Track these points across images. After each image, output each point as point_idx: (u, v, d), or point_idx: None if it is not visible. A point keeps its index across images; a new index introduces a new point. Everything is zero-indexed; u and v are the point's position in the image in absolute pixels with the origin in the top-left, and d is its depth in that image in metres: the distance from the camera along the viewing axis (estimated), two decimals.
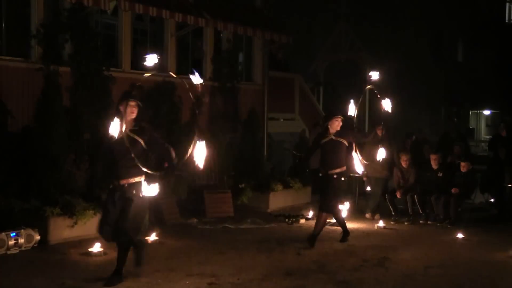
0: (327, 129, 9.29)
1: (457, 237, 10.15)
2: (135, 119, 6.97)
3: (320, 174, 9.37)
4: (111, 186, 7.00)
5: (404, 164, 11.91)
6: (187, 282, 7.16)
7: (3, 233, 8.36)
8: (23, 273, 7.15)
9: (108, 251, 8.61)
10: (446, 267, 8.20)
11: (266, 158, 15.38)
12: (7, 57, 11.50)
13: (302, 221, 11.30)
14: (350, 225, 11.15)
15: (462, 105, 30.43)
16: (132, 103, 6.92)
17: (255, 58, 16.99)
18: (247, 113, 15.55)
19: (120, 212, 6.85)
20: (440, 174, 11.81)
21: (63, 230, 9.21)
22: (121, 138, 6.72)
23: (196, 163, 6.70)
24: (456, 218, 11.42)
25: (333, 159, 9.21)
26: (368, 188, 12.47)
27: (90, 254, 8.45)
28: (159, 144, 7.11)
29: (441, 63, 28.46)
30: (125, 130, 6.81)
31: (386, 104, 9.23)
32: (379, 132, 12.17)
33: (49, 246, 8.86)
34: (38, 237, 8.79)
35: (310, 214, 11.76)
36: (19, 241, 8.54)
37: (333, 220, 11.14)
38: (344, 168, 9.31)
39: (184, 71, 15.08)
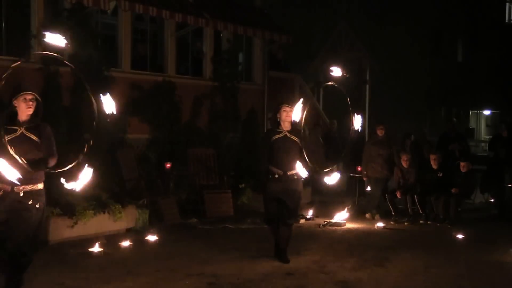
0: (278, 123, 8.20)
1: (457, 237, 10.15)
2: (33, 115, 6.02)
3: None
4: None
5: (404, 164, 11.92)
6: (187, 282, 7.15)
7: None
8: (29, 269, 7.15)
9: (109, 251, 8.64)
10: (446, 267, 8.19)
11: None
12: (7, 57, 11.49)
13: (302, 221, 11.30)
14: (350, 225, 11.21)
15: (462, 105, 30.36)
16: (29, 96, 5.98)
17: (255, 58, 17.00)
18: (247, 113, 15.58)
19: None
20: (440, 174, 11.82)
21: (63, 230, 9.22)
22: (17, 137, 5.77)
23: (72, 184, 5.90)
24: (456, 218, 11.44)
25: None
26: (368, 188, 12.48)
27: (90, 254, 8.45)
28: (49, 147, 6.09)
29: (441, 63, 28.43)
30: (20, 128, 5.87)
31: (357, 121, 8.22)
32: (379, 132, 12.20)
33: (49, 246, 8.85)
34: None
35: (310, 214, 11.78)
36: None
37: (333, 220, 11.19)
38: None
39: (184, 71, 15.15)
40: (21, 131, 5.85)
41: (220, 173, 12.65)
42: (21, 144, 5.70)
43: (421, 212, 11.73)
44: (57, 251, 8.58)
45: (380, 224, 11.22)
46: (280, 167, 7.92)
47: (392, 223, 11.50)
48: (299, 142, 8.06)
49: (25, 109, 5.93)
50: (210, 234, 10.25)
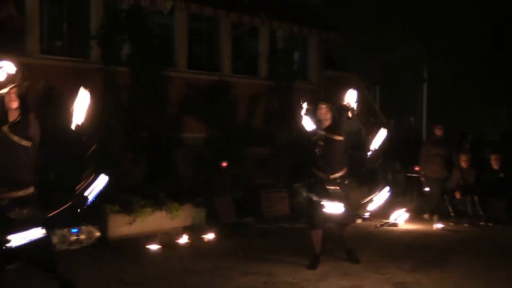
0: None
1: None
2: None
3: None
4: None
5: (463, 164, 11.70)
6: (243, 280, 7.16)
7: (65, 229, 8.56)
8: (83, 268, 7.28)
9: (166, 248, 8.73)
10: (508, 270, 7.97)
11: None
12: (68, 58, 11.77)
13: (359, 221, 11.19)
14: (408, 225, 11.05)
15: None
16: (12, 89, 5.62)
17: (311, 57, 16.94)
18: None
19: None
20: (501, 175, 11.55)
21: (122, 227, 9.35)
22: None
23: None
24: None
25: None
26: (426, 188, 12.26)
27: (148, 251, 8.57)
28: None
29: (501, 60, 27.81)
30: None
31: (351, 95, 7.77)
32: (437, 132, 12.05)
33: (109, 243, 9.01)
34: (98, 234, 8.97)
35: (367, 214, 11.65)
36: (80, 237, 8.74)
37: (389, 220, 11.06)
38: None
39: (240, 70, 15.20)
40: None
41: (276, 172, 12.64)
42: None
43: (481, 214, 11.49)
44: (116, 248, 8.74)
45: (438, 226, 11.01)
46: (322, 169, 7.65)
47: (451, 224, 11.27)
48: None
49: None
50: (266, 233, 10.26)
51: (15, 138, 5.54)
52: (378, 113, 18.98)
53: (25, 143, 5.58)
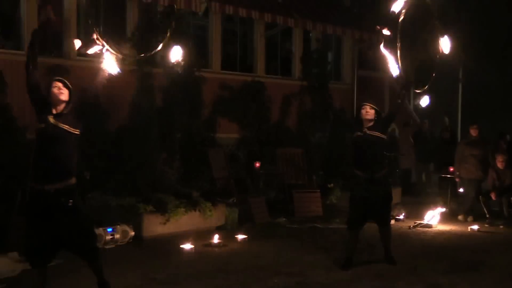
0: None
1: None
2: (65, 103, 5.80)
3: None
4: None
5: (500, 165, 11.55)
6: (276, 280, 7.15)
7: (101, 229, 8.65)
8: (118, 267, 7.35)
9: (200, 248, 8.78)
10: None
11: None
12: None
13: (392, 222, 11.09)
14: (442, 227, 10.94)
15: None
16: (59, 83, 5.78)
17: (344, 57, 16.89)
18: (336, 113, 15.46)
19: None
20: None
21: (156, 226, 9.43)
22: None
23: None
24: None
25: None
26: (461, 190, 12.14)
27: (181, 250, 8.62)
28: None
29: None
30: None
31: (445, 43, 7.88)
32: (473, 132, 11.93)
33: (143, 242, 9.09)
34: (132, 233, 9.06)
35: (402, 216, 11.60)
36: (115, 236, 8.82)
37: (423, 221, 10.97)
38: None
39: (273, 71, 15.21)
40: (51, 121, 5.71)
41: (309, 172, 12.64)
42: None
43: None
44: (150, 247, 8.80)
45: (473, 227, 10.87)
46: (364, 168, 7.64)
47: (486, 226, 11.12)
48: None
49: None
50: (299, 233, 10.24)
51: (66, 127, 5.67)
52: (412, 113, 18.83)
53: (74, 131, 5.72)
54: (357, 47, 16.84)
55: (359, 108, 7.89)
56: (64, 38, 11.22)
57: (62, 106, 5.75)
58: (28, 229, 5.64)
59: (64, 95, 5.74)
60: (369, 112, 7.69)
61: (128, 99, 11.34)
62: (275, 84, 14.41)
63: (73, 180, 5.75)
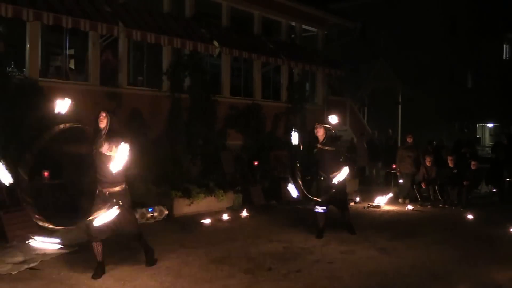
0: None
1: (467, 218, 9.69)
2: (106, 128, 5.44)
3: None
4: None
5: (428, 163, 11.52)
6: (269, 246, 7.15)
7: (143, 209, 8.63)
8: (156, 237, 7.32)
9: (214, 223, 8.72)
10: (458, 239, 7.84)
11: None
12: (147, 88, 11.89)
13: (352, 204, 11.05)
14: (388, 207, 10.89)
15: (471, 119, 29.64)
16: (102, 113, 5.46)
17: (318, 86, 16.85)
18: (311, 126, 15.40)
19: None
20: (455, 171, 11.35)
21: (183, 207, 9.39)
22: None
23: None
24: (467, 203, 10.95)
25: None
26: (401, 181, 12.10)
27: (201, 225, 8.59)
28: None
29: (455, 88, 27.88)
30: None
31: (333, 120, 7.77)
32: (408, 140, 11.94)
33: (173, 219, 9.06)
34: (166, 212, 9.02)
35: (357, 199, 11.55)
36: (154, 214, 8.80)
37: (374, 203, 10.91)
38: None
39: (267, 96, 15.19)
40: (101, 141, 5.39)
41: (292, 168, 12.56)
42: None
43: (440, 199, 11.29)
44: (179, 222, 8.77)
45: (409, 207, 10.85)
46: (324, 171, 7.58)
47: (418, 206, 11.09)
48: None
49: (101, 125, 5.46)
50: (285, 212, 10.20)
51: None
52: (365, 126, 18.82)
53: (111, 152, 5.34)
54: (327, 79, 16.81)
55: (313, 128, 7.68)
56: (118, 72, 11.19)
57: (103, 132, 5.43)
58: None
59: (103, 122, 5.41)
60: (319, 130, 7.55)
61: (164, 116, 11.32)
62: (269, 106, 14.36)
63: (123, 186, 5.53)
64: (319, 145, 7.57)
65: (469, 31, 27.85)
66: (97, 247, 5.56)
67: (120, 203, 5.42)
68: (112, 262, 5.90)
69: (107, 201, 5.38)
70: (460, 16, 27.87)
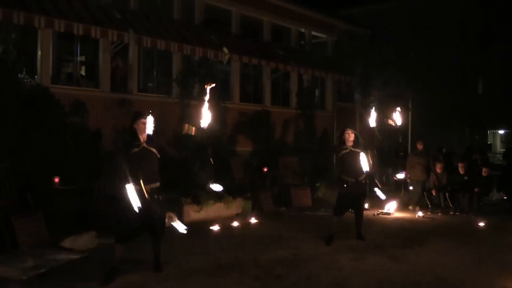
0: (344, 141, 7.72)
1: (478, 225, 9.59)
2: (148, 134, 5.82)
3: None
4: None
5: (438, 170, 11.44)
6: (278, 252, 7.11)
7: None
8: (166, 242, 7.32)
9: (224, 229, 8.71)
10: (470, 247, 7.75)
11: (335, 165, 15.21)
12: (157, 94, 11.96)
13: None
14: (397, 214, 10.82)
15: (482, 126, 29.42)
16: (144, 120, 5.81)
17: (327, 92, 16.85)
18: (321, 132, 15.41)
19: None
20: (465, 177, 11.26)
21: (193, 213, 9.39)
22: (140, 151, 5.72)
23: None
24: (478, 210, 10.86)
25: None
26: (411, 187, 12.01)
27: (211, 231, 8.59)
28: (166, 150, 6.09)
29: (466, 94, 27.71)
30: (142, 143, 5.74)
31: (396, 118, 8.12)
32: (419, 146, 11.86)
33: (183, 224, 9.03)
34: (176, 218, 9.01)
35: (367, 205, 11.45)
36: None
37: (384, 210, 10.84)
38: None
39: (277, 102, 15.21)
40: (143, 145, 5.75)
41: (302, 174, 12.55)
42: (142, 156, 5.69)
43: (451, 206, 11.18)
44: (188, 228, 8.75)
45: (419, 214, 10.76)
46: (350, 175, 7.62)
47: (429, 213, 10.99)
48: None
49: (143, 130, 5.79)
50: (295, 219, 10.16)
51: (153, 149, 5.78)
52: (375, 133, 18.71)
53: (156, 152, 5.81)
54: (336, 85, 16.80)
55: (343, 132, 7.81)
56: (128, 79, 11.27)
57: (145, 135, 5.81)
58: (123, 216, 5.60)
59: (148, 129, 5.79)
60: (350, 135, 7.69)
61: (173, 122, 11.36)
62: (278, 112, 14.39)
63: (158, 184, 5.86)
64: (350, 148, 7.61)
65: (479, 36, 27.75)
66: (120, 251, 5.68)
67: (160, 198, 5.75)
68: (120, 267, 5.91)
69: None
70: (470, 22, 27.77)
